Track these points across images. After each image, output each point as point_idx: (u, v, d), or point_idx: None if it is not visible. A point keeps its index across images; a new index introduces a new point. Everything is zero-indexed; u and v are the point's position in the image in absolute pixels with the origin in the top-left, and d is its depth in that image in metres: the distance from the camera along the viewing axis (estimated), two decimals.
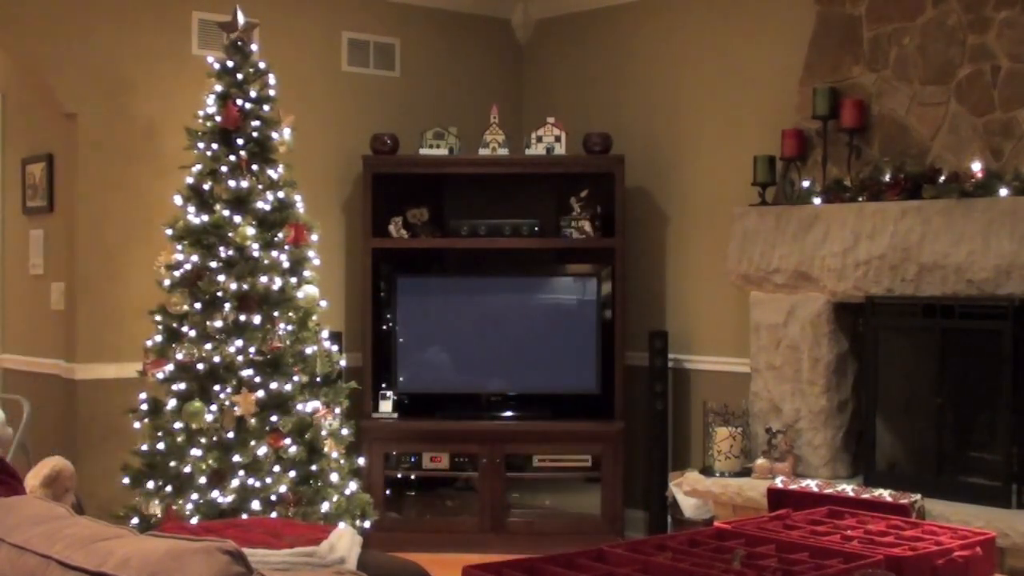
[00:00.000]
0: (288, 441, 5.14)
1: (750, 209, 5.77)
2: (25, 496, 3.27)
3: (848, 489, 4.90)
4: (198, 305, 5.20)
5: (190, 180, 5.32)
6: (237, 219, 5.23)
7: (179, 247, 5.27)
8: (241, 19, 5.37)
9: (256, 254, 5.22)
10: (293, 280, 5.33)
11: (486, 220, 6.53)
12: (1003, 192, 4.87)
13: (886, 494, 4.77)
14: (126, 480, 5.22)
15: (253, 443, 5.08)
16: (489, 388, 6.55)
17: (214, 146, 5.30)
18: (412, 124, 6.66)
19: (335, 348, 5.54)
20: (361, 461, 5.64)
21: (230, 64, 5.34)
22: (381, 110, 6.78)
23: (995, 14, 5.09)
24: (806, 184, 5.59)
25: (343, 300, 6.55)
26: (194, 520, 4.90)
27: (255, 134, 5.31)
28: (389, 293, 6.51)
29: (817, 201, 5.49)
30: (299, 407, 5.20)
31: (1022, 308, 4.85)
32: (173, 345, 5.20)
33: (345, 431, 5.38)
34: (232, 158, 5.28)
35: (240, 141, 5.29)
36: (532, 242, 6.56)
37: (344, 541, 3.51)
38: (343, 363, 5.68)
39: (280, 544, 3.51)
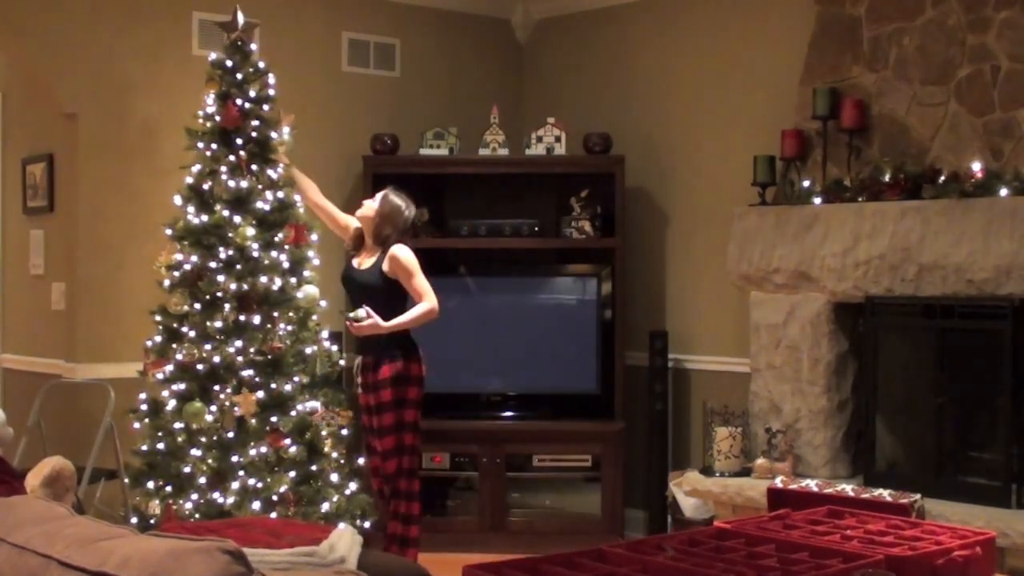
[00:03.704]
0: (288, 441, 5.14)
1: (750, 209, 5.78)
2: (25, 496, 3.27)
3: (848, 489, 4.91)
4: (198, 305, 5.20)
5: (190, 180, 5.32)
6: (237, 219, 5.23)
7: (179, 247, 5.28)
8: (241, 19, 5.37)
9: (256, 254, 5.22)
10: (293, 280, 5.33)
11: (486, 220, 6.53)
12: (1003, 192, 4.87)
13: (886, 494, 4.78)
14: (126, 480, 5.23)
15: (253, 443, 5.09)
16: (489, 388, 6.55)
17: (214, 146, 5.30)
18: (412, 124, 6.66)
19: (335, 348, 5.54)
20: (361, 461, 5.64)
21: (230, 64, 5.35)
22: (381, 110, 6.78)
23: (995, 14, 5.09)
24: (806, 184, 5.59)
25: (343, 300, 6.54)
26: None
27: (255, 134, 5.31)
28: None
29: (817, 201, 5.49)
30: (299, 407, 5.20)
31: (1022, 308, 4.85)
32: (173, 345, 5.20)
33: (345, 431, 5.38)
34: (232, 158, 5.28)
35: (240, 141, 5.29)
36: (532, 242, 6.56)
37: (344, 541, 3.51)
38: (343, 363, 5.68)
39: (280, 544, 3.51)
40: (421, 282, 5.19)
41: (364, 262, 5.31)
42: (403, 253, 5.20)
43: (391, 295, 5.21)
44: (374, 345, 5.22)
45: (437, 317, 5.24)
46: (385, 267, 5.20)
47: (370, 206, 5.34)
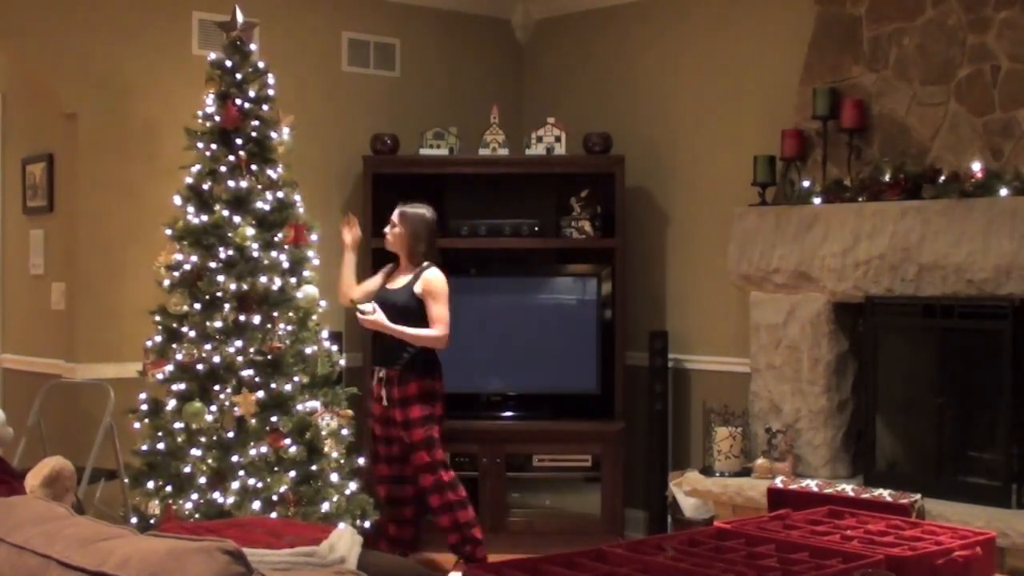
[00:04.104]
0: (288, 441, 5.14)
1: (750, 209, 5.77)
2: (25, 496, 3.28)
3: (848, 489, 4.91)
4: (198, 305, 5.20)
5: (190, 180, 5.33)
6: (237, 219, 5.23)
7: (179, 247, 5.28)
8: (240, 19, 5.37)
9: (256, 254, 5.22)
10: (293, 280, 5.33)
11: (486, 220, 6.53)
12: (1003, 192, 4.87)
13: (886, 494, 4.78)
14: (126, 480, 5.23)
15: (253, 443, 5.09)
16: (489, 388, 6.55)
17: (213, 146, 5.30)
18: (412, 124, 6.66)
19: (335, 348, 5.54)
20: (361, 461, 5.64)
21: (229, 64, 5.34)
22: (381, 110, 6.78)
23: (995, 14, 5.09)
24: (806, 184, 5.59)
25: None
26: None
27: (255, 134, 5.31)
28: None
29: (817, 201, 5.49)
30: (299, 407, 5.20)
31: (1022, 308, 4.85)
32: (173, 345, 5.20)
33: (345, 431, 5.38)
34: (232, 158, 5.28)
35: (239, 141, 5.29)
36: (532, 242, 6.56)
37: (344, 541, 3.51)
38: (343, 363, 5.68)
39: (280, 544, 3.51)
40: (442, 311, 5.37)
41: (396, 282, 5.47)
42: (436, 277, 5.41)
43: (421, 316, 5.38)
44: (397, 358, 5.35)
45: (443, 348, 5.40)
46: (417, 289, 5.39)
47: (396, 233, 5.49)
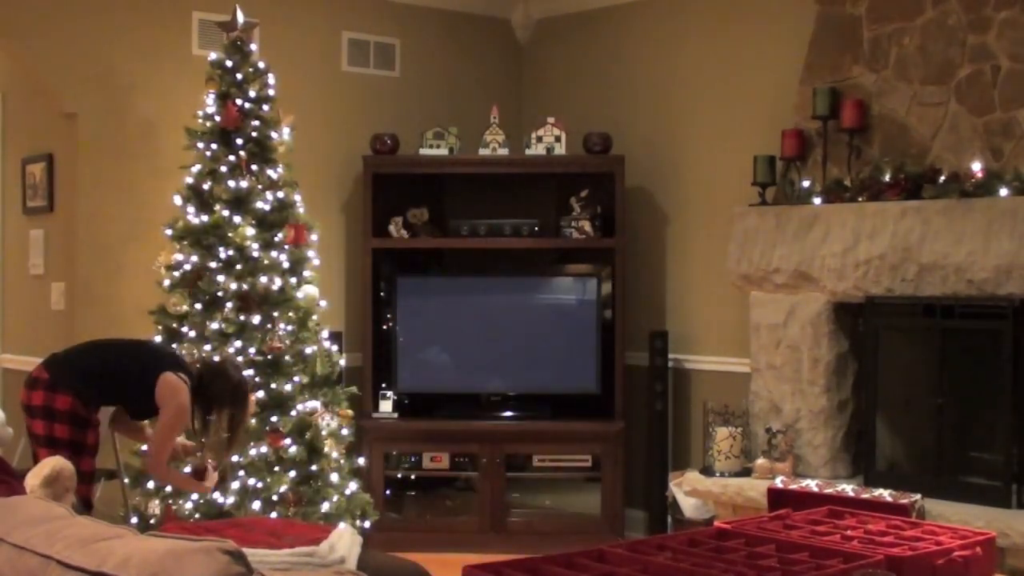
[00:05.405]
0: (288, 441, 5.14)
1: (750, 209, 5.77)
2: (25, 496, 3.28)
3: (848, 489, 4.91)
4: (198, 305, 5.20)
5: (190, 180, 5.33)
6: (237, 219, 5.23)
7: (179, 247, 5.28)
8: (240, 19, 5.37)
9: (256, 254, 5.22)
10: (293, 280, 5.33)
11: (486, 220, 6.53)
12: (1003, 192, 4.87)
13: (886, 494, 4.78)
14: (126, 480, 5.22)
15: (253, 443, 5.09)
16: (489, 388, 6.55)
17: (213, 146, 5.30)
18: (412, 124, 6.66)
19: (335, 348, 5.54)
20: (361, 461, 5.64)
21: (230, 64, 5.35)
22: (381, 110, 6.78)
23: (995, 14, 5.09)
24: (806, 184, 5.59)
25: (343, 300, 6.55)
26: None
27: (255, 134, 5.31)
28: (389, 293, 6.51)
29: (817, 201, 5.49)
30: (299, 407, 5.20)
31: (1022, 308, 4.85)
32: (173, 345, 5.20)
33: (345, 431, 5.38)
34: (232, 158, 5.28)
35: (240, 141, 5.29)
36: (532, 242, 6.56)
37: (344, 541, 3.51)
38: (343, 363, 5.68)
39: (280, 544, 3.51)
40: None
41: None
42: None
43: None
44: None
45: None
46: None
47: None
